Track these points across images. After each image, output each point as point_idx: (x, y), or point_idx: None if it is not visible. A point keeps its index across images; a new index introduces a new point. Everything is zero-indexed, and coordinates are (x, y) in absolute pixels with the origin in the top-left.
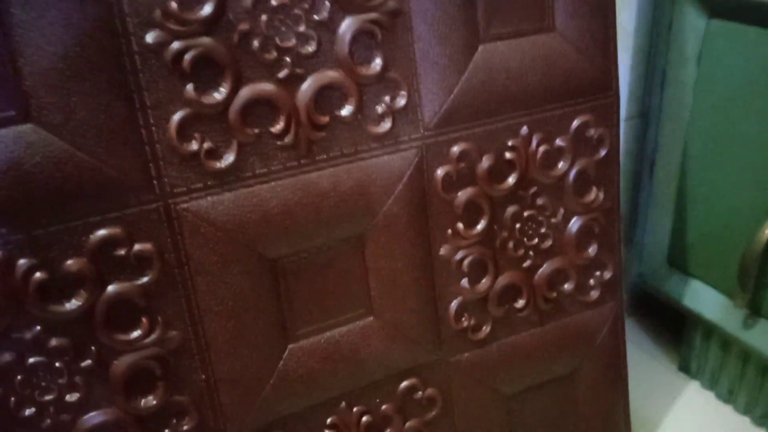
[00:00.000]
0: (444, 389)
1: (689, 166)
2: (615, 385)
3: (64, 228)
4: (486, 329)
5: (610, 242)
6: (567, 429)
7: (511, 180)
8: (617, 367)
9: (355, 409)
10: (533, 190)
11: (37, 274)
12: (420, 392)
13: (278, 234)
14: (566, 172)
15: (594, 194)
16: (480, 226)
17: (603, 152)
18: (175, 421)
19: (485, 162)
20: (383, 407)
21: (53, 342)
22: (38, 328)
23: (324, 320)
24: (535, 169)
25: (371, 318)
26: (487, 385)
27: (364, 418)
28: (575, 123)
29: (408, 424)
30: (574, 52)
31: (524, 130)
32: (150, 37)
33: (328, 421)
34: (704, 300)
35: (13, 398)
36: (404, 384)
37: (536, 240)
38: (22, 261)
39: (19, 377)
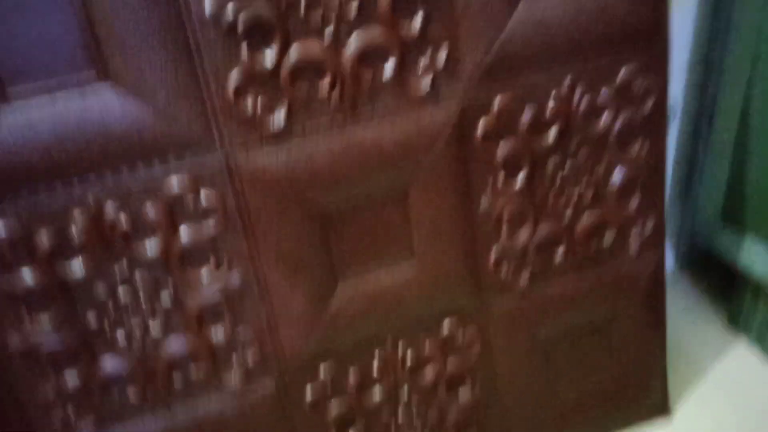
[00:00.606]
0: (483, 332)
1: (750, 118)
2: (652, 336)
3: (142, 176)
4: (525, 277)
5: (653, 195)
6: (603, 375)
7: (553, 132)
8: (656, 319)
9: (399, 347)
10: (576, 141)
11: (122, 216)
12: (460, 333)
13: (327, 184)
14: (610, 124)
15: (638, 147)
16: (521, 178)
17: (650, 103)
18: (241, 350)
19: (527, 114)
20: (425, 346)
21: (137, 275)
22: (125, 262)
23: (370, 263)
24: (577, 120)
25: (414, 261)
26: (526, 330)
27: (408, 354)
28: (621, 73)
29: (449, 365)
30: (621, 4)
31: (567, 80)
32: (207, 1)
33: (375, 354)
34: (755, 256)
35: (106, 320)
36: (445, 324)
37: (577, 191)
38: (109, 204)
39: (111, 302)
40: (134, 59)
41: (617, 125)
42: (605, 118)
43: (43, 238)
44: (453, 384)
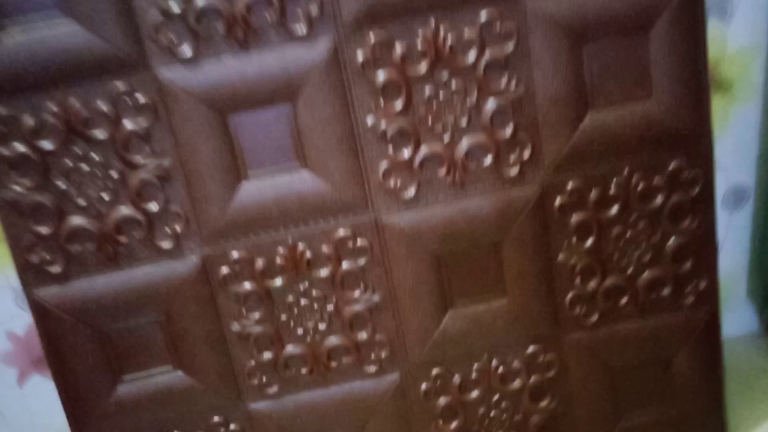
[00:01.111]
0: (561, 358)
1: None
2: (709, 380)
3: (322, 226)
4: (594, 317)
5: (705, 259)
6: (664, 407)
7: (615, 208)
8: (713, 364)
9: (493, 362)
10: (634, 215)
11: (307, 251)
12: (542, 357)
13: (442, 238)
14: (663, 204)
15: (689, 221)
16: (590, 241)
17: (697, 188)
18: (377, 349)
19: (594, 193)
20: (514, 363)
21: (314, 291)
22: (307, 282)
23: (473, 296)
24: (634, 200)
25: (505, 299)
26: (596, 359)
27: (500, 370)
28: (671, 165)
29: (532, 380)
30: (669, 116)
31: (626, 170)
32: (369, 119)
33: (474, 367)
34: None
35: (289, 316)
36: (530, 348)
37: (637, 253)
38: (300, 244)
39: (296, 307)
40: (323, 154)
41: (669, 204)
42: (658, 199)
43: (259, 263)
44: (535, 395)
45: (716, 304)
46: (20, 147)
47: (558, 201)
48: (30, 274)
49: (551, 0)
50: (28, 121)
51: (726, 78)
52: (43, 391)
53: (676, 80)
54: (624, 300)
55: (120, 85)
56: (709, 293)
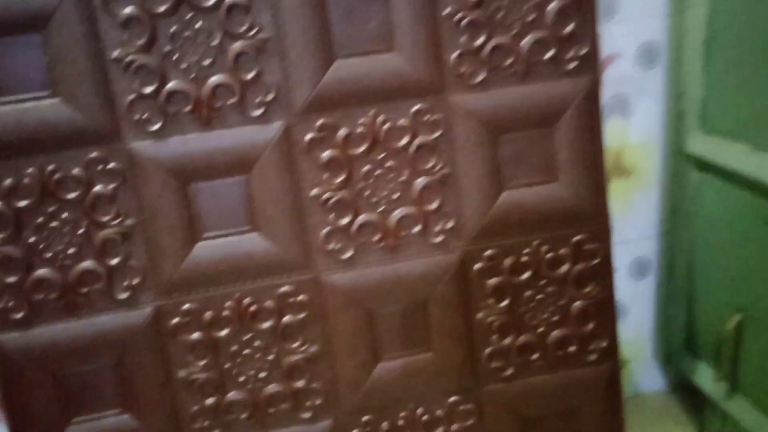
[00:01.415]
0: (480, 407)
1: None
2: (613, 428)
3: (270, 283)
4: (510, 370)
5: (605, 321)
6: None
7: (527, 274)
8: (614, 416)
9: (418, 410)
10: (543, 281)
11: (254, 306)
12: (462, 406)
13: (374, 296)
14: (568, 271)
15: (591, 288)
16: (505, 303)
17: (598, 260)
18: (312, 396)
19: (507, 261)
20: (437, 412)
21: (256, 342)
22: (252, 334)
23: (401, 350)
24: (544, 268)
25: (430, 354)
26: (511, 408)
27: (425, 418)
28: (574, 239)
29: (453, 427)
30: (572, 197)
31: (536, 242)
32: (314, 191)
33: (401, 415)
34: (705, 380)
35: (235, 369)
36: (452, 398)
37: (546, 315)
38: (247, 299)
39: (243, 354)
40: (271, 219)
41: (573, 272)
42: (564, 267)
43: (208, 315)
44: None
45: (616, 361)
46: None
47: (476, 266)
48: None
49: (472, 97)
50: (7, 181)
51: (628, 165)
52: None
53: (579, 167)
54: (535, 356)
55: (94, 153)
56: (610, 352)
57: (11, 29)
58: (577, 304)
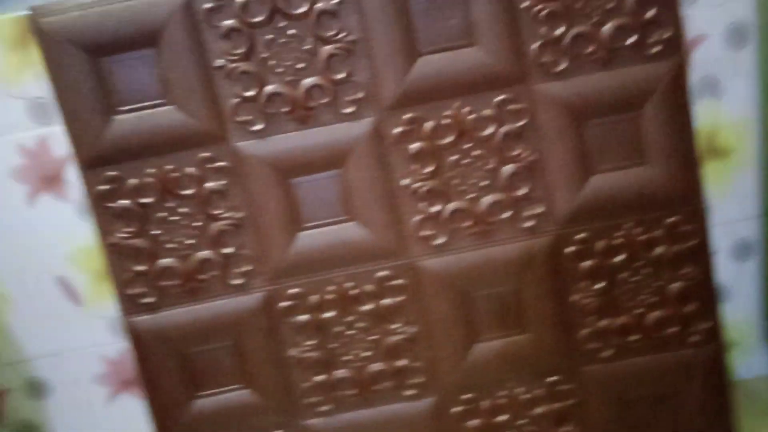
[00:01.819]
0: (579, 389)
1: None
2: (717, 419)
3: (370, 270)
4: (608, 352)
5: (707, 302)
6: None
7: (621, 257)
8: (720, 405)
9: (519, 390)
10: (639, 263)
11: (357, 290)
12: (561, 387)
13: (470, 280)
14: (664, 254)
15: (688, 269)
16: (600, 285)
17: (694, 242)
18: (416, 375)
19: (599, 245)
20: (536, 392)
21: (361, 323)
22: (356, 315)
23: (499, 331)
24: (638, 250)
25: (527, 335)
26: (610, 391)
27: (526, 396)
28: (670, 220)
29: (555, 406)
30: (663, 179)
31: (629, 224)
32: (404, 181)
33: (502, 393)
34: None
35: (337, 344)
36: (549, 380)
37: (644, 296)
38: (349, 283)
39: (345, 335)
40: (366, 209)
41: (669, 254)
42: (660, 249)
43: (313, 299)
44: (559, 419)
45: (721, 343)
46: (125, 202)
47: (568, 250)
48: (128, 305)
49: (555, 85)
50: (132, 181)
51: (724, 146)
52: (129, 409)
53: (669, 149)
54: (635, 337)
55: (205, 153)
56: (713, 335)
57: (128, 46)
58: (675, 285)
